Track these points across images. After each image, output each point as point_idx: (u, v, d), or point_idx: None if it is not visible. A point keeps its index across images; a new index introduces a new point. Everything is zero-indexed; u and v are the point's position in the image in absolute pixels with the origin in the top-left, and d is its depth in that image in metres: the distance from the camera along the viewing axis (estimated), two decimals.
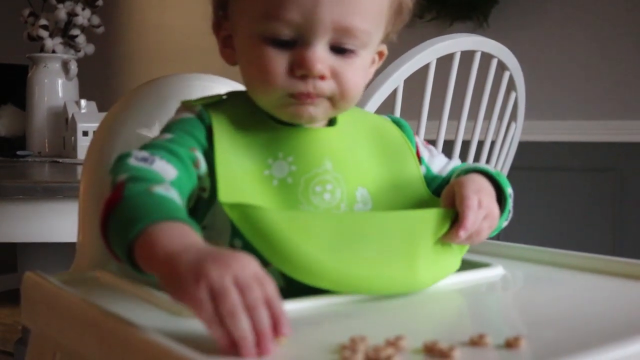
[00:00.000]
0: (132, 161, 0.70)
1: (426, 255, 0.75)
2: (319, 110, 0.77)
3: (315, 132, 0.81)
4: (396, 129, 0.88)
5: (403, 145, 0.86)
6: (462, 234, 0.75)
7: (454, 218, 0.77)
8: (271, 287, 0.56)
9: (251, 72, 0.77)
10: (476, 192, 0.78)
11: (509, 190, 0.83)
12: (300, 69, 0.74)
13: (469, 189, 0.77)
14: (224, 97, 0.81)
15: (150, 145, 0.74)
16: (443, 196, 0.80)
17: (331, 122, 0.83)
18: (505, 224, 0.85)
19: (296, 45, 0.74)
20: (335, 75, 0.75)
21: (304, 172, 0.77)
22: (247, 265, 0.56)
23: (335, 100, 0.77)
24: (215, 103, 0.80)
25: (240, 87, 1.00)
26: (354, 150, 0.82)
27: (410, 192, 0.83)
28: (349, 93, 0.77)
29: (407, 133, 0.88)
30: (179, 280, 0.56)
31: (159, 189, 0.66)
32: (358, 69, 0.77)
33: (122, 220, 0.63)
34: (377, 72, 0.89)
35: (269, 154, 0.77)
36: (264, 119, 0.79)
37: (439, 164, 0.90)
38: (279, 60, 0.74)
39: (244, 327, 0.53)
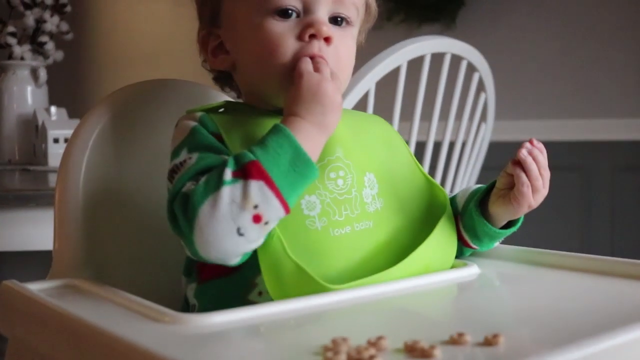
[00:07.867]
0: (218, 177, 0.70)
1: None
2: None
3: None
4: (386, 123, 0.93)
5: (394, 133, 0.91)
6: (524, 149, 0.81)
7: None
8: None
9: (260, 51, 0.81)
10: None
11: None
12: (309, 28, 0.79)
13: None
14: (223, 104, 0.85)
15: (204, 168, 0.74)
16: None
17: None
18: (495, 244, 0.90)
19: (300, 16, 0.80)
20: (335, 43, 0.81)
21: (319, 160, 0.78)
22: None
23: (333, 73, 0.79)
24: (216, 109, 0.83)
25: (221, 94, 1.00)
26: (360, 137, 0.87)
27: (407, 174, 0.88)
28: (344, 63, 0.82)
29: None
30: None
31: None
32: (351, 42, 0.84)
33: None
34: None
35: None
36: (271, 116, 0.82)
37: None
38: (287, 29, 0.80)
39: None
